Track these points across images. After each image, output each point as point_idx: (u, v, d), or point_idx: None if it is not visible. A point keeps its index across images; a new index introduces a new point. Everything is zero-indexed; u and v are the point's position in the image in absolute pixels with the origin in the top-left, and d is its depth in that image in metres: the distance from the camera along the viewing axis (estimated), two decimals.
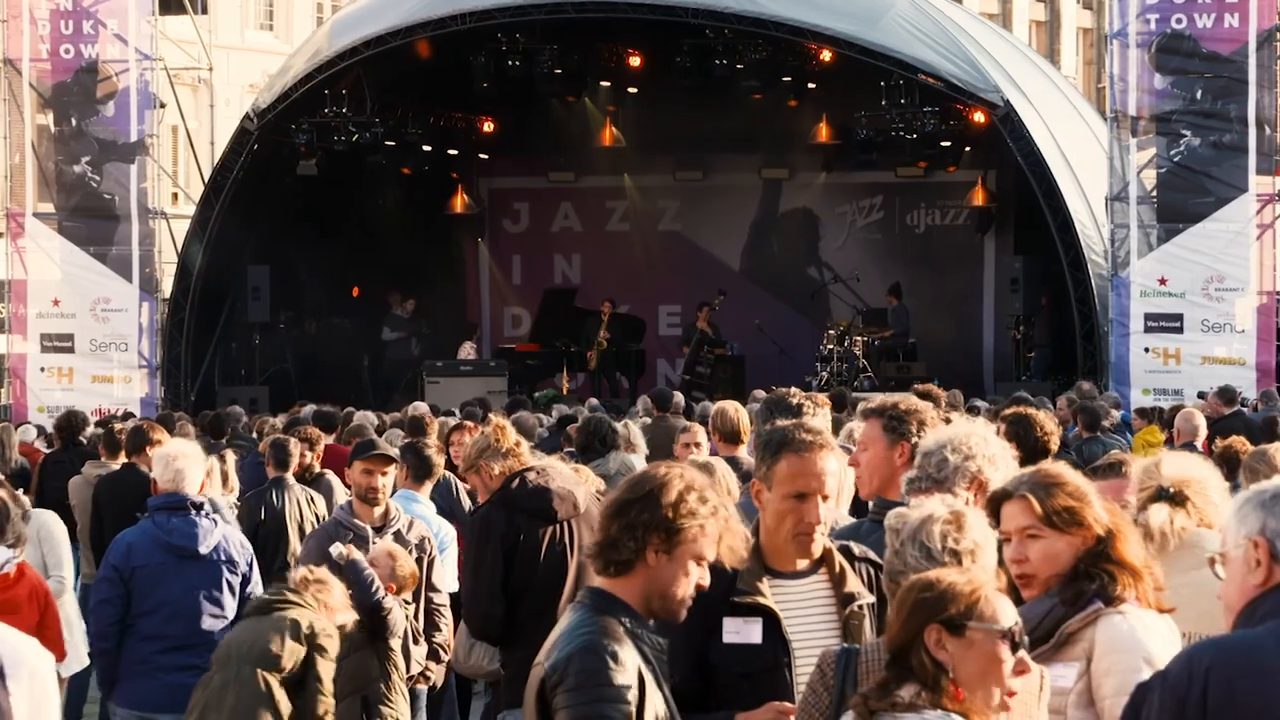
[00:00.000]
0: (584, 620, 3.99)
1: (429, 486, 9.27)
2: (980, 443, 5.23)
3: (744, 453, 9.78)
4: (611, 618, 3.96)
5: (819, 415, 6.35)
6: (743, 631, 4.54)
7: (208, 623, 7.66)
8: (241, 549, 7.86)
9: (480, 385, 23.83)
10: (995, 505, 4.51)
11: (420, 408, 15.73)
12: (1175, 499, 4.91)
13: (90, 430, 14.47)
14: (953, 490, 5.10)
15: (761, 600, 4.56)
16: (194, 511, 7.69)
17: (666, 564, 3.97)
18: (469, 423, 11.74)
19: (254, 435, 15.75)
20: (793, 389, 6.67)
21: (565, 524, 7.00)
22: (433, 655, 7.95)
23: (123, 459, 11.29)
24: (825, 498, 4.68)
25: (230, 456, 10.91)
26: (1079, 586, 4.37)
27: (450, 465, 10.86)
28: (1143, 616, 4.35)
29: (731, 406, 9.98)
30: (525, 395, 22.93)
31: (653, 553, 3.96)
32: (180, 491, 7.67)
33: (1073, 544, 4.41)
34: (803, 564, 4.68)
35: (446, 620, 7.93)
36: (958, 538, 4.24)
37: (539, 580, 6.93)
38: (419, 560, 8.01)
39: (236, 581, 7.77)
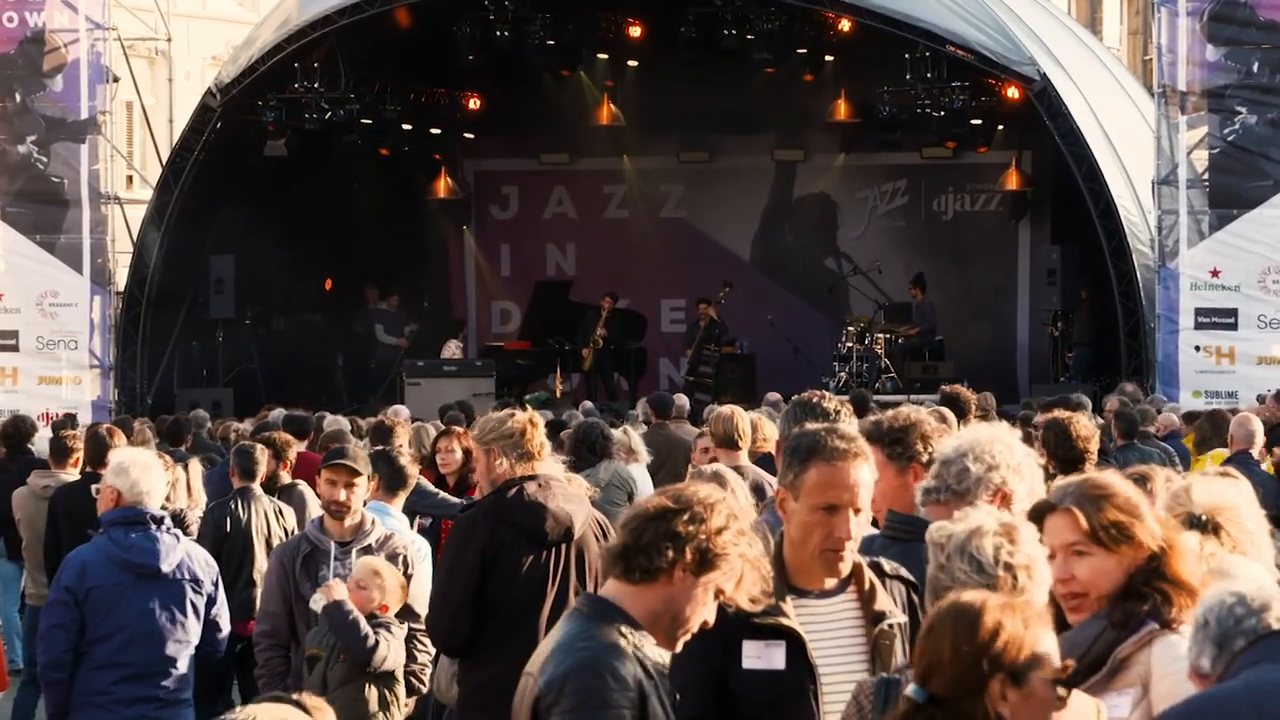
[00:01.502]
0: (582, 632, 4.02)
1: (402, 498, 9.25)
2: (1004, 451, 5.21)
3: (744, 459, 9.80)
4: (611, 629, 4.00)
5: (851, 424, 6.34)
6: (764, 656, 4.54)
7: (170, 648, 7.63)
8: (207, 567, 7.84)
9: (465, 387, 23.83)
10: (1038, 518, 4.51)
11: (401, 412, 15.74)
12: (1207, 527, 4.91)
13: (40, 436, 14.45)
14: (974, 502, 5.08)
15: (785, 622, 4.56)
16: (154, 526, 7.67)
17: (691, 586, 4.04)
18: (458, 428, 11.72)
19: (217, 442, 15.76)
20: (824, 392, 6.64)
21: (554, 547, 7.00)
22: (408, 687, 7.95)
23: (74, 468, 11.28)
24: (858, 511, 4.68)
25: (196, 466, 10.91)
26: (1130, 607, 4.38)
27: (439, 484, 10.84)
28: None
29: (729, 409, 9.98)
30: (514, 398, 22.92)
31: (682, 570, 4.01)
32: (140, 504, 7.65)
33: (1123, 562, 4.41)
34: (830, 583, 4.68)
35: (424, 646, 7.91)
36: (1012, 550, 4.23)
37: (512, 602, 6.93)
38: None
39: (201, 603, 7.74)
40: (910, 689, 3.65)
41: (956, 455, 5.21)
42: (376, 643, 7.34)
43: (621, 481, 11.80)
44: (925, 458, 5.49)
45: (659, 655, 4.06)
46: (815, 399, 6.49)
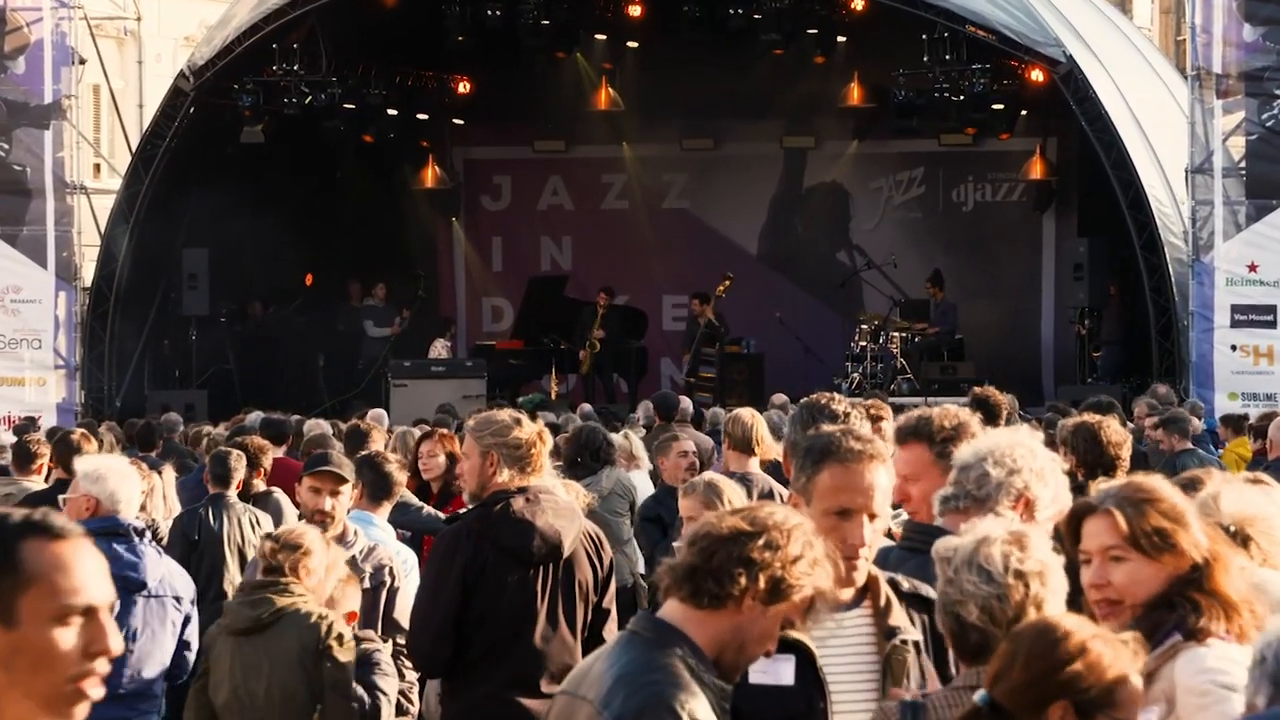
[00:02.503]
0: (649, 662, 3.98)
1: (388, 508, 9.23)
2: (1026, 455, 5.21)
3: (755, 466, 9.81)
4: (677, 658, 3.97)
5: (864, 427, 6.32)
6: (772, 671, 4.53)
7: (146, 669, 7.63)
8: (186, 583, 7.85)
9: (454, 389, 23.84)
10: (1077, 520, 4.51)
11: (378, 415, 15.72)
12: (1237, 538, 4.91)
13: (2, 441, 14.46)
14: (995, 509, 5.09)
15: (794, 634, 4.56)
16: (137, 538, 7.66)
17: (760, 615, 4.01)
18: (443, 430, 11.72)
19: (190, 447, 15.76)
20: (834, 394, 6.63)
21: (541, 566, 6.99)
22: (396, 707, 7.93)
23: (39, 475, 11.28)
24: (873, 516, 4.68)
25: (169, 474, 10.92)
26: (1157, 617, 4.38)
27: (422, 489, 10.83)
28: (1229, 650, 4.34)
29: (748, 413, 9.99)
30: (506, 400, 22.92)
31: (753, 598, 3.99)
32: (118, 514, 7.63)
33: (1163, 570, 4.41)
34: (846, 594, 4.68)
35: (410, 665, 7.90)
36: (1022, 557, 4.24)
37: (497, 623, 6.93)
38: (375, 590, 8.00)
39: (179, 621, 7.74)
40: (978, 694, 3.67)
41: (976, 460, 5.20)
42: (375, 708, 7.27)
43: (624, 490, 11.79)
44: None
45: (721, 683, 4.05)
46: (824, 401, 6.48)
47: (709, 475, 8.74)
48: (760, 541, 4.00)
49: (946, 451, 5.61)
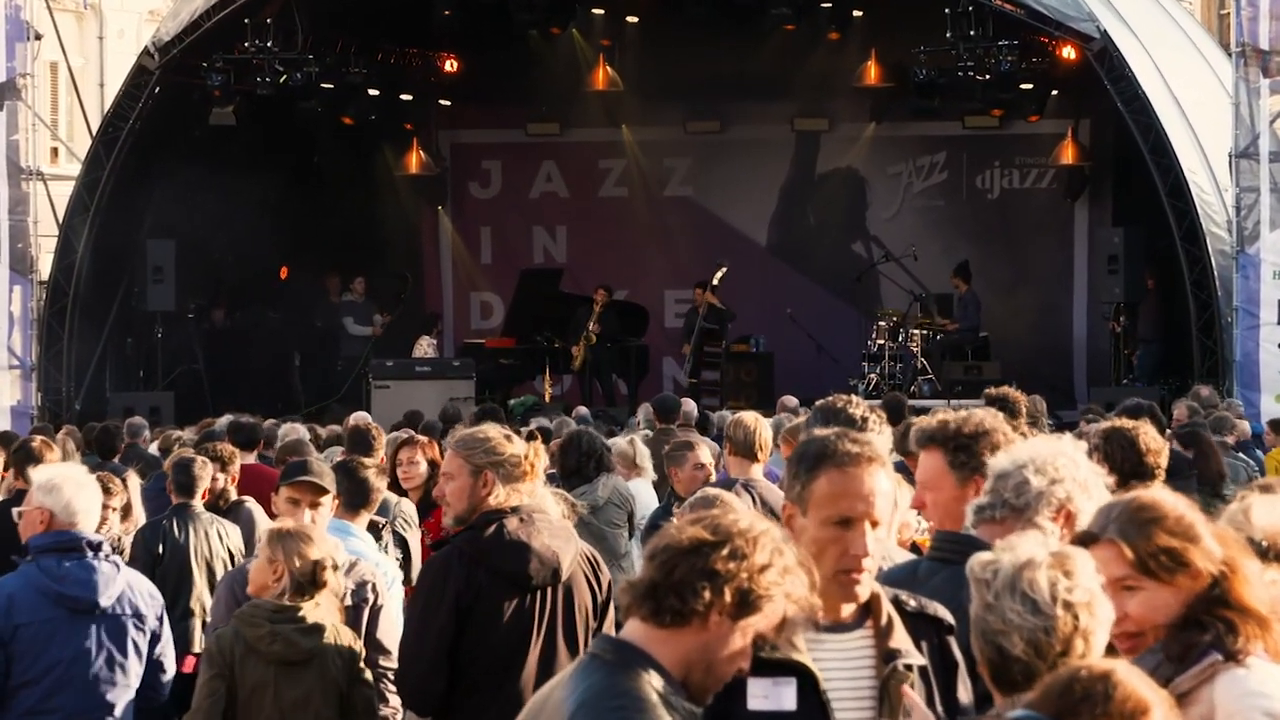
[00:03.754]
0: (612, 687, 3.96)
1: (366, 517, 9.25)
2: (1069, 465, 5.21)
3: (759, 473, 9.85)
4: (641, 681, 3.95)
5: (883, 434, 6.32)
6: (773, 695, 4.52)
7: (107, 693, 7.58)
8: (151, 600, 7.80)
9: (441, 390, 23.83)
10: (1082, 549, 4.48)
11: (363, 419, 15.70)
12: (1269, 554, 4.90)
13: None
14: (1034, 521, 5.08)
15: (796, 656, 4.55)
16: (91, 553, 7.63)
17: (728, 631, 3.98)
18: (421, 438, 11.72)
19: (156, 453, 15.74)
20: (851, 397, 6.59)
21: (539, 591, 6.99)
22: None
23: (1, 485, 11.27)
24: (875, 524, 4.64)
25: (134, 481, 10.91)
26: (1189, 638, 4.37)
27: (400, 493, 10.83)
28: (1272, 671, 4.33)
29: (751, 416, 10.03)
30: (497, 403, 22.89)
31: (719, 613, 3.97)
32: (74, 528, 7.60)
33: (1180, 592, 4.41)
34: (847, 611, 4.67)
35: (395, 687, 7.91)
36: (1070, 585, 4.20)
37: (492, 654, 6.92)
38: (357, 609, 8.00)
39: (144, 641, 7.70)
40: (1016, 712, 3.64)
41: (1015, 468, 5.19)
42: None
43: (621, 500, 11.78)
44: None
45: (690, 707, 4.03)
46: (840, 404, 6.48)
47: (709, 490, 8.74)
48: (724, 551, 3.97)
49: (960, 460, 5.62)
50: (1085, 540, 4.49)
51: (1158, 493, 4.60)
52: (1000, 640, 4.18)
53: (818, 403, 6.62)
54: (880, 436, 6.39)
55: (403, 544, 10.27)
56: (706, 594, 3.96)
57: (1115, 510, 4.52)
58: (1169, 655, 4.36)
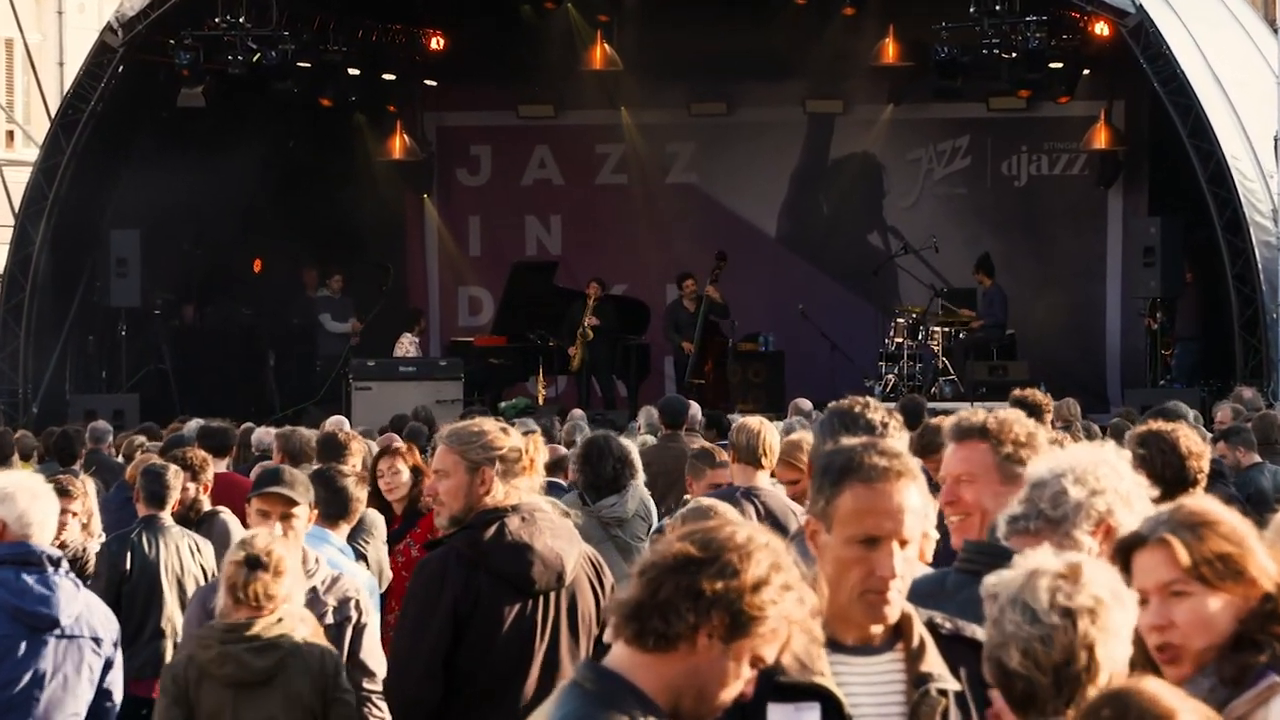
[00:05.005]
0: (584, 717, 3.93)
1: (346, 528, 9.22)
2: (1110, 475, 5.18)
3: (764, 481, 9.84)
4: (622, 713, 3.90)
5: (901, 439, 6.28)
6: None
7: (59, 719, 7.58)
8: (107, 622, 7.78)
9: (427, 392, 23.83)
10: (1125, 554, 4.47)
11: (341, 424, 15.71)
12: None
13: None
14: (1071, 535, 5.06)
15: (819, 681, 4.53)
16: (51, 569, 7.61)
17: (719, 655, 3.92)
18: (403, 444, 11.69)
19: (119, 460, 15.74)
20: (868, 399, 6.53)
21: (542, 597, 6.97)
22: None
23: None
24: (904, 543, 4.62)
25: (91, 489, 10.89)
26: (1244, 659, 4.35)
27: (382, 504, 10.81)
28: None
29: (755, 420, 10.05)
30: (486, 406, 22.87)
31: (707, 635, 3.91)
32: (30, 540, 7.57)
33: (1231, 603, 4.39)
34: (874, 633, 4.65)
35: (380, 712, 7.89)
36: (1071, 591, 4.19)
37: (491, 664, 6.89)
38: (340, 627, 7.98)
39: (99, 666, 7.68)
40: None
41: (1053, 476, 5.16)
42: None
43: (646, 511, 11.79)
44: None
45: None
46: (857, 407, 6.40)
47: (704, 501, 8.72)
48: (713, 569, 3.90)
49: (1015, 458, 5.63)
50: (1132, 544, 4.48)
51: (1209, 501, 4.59)
52: (1000, 654, 4.16)
53: (830, 405, 6.55)
54: (900, 441, 6.36)
55: (363, 560, 10.25)
56: (692, 616, 3.89)
57: (1166, 514, 4.51)
58: (1223, 678, 4.34)
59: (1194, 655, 4.40)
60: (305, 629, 7.38)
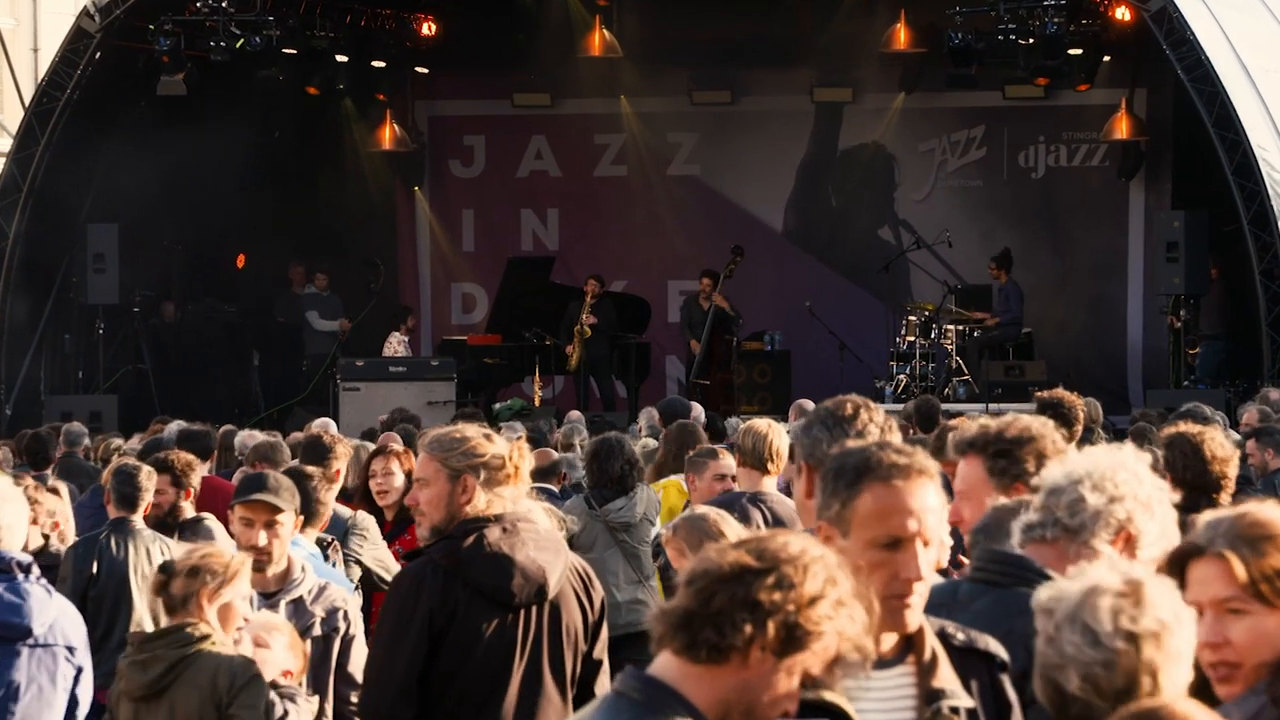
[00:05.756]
0: None
1: (314, 533, 9.26)
2: (1130, 480, 5.16)
3: (771, 486, 9.86)
4: None
5: (893, 438, 6.19)
6: None
7: None
8: (78, 628, 7.78)
9: (418, 393, 23.81)
10: (1179, 565, 4.44)
11: (327, 426, 15.71)
12: None
13: None
14: (1089, 544, 5.04)
15: (827, 696, 4.51)
16: (22, 575, 7.60)
17: (771, 669, 3.92)
18: (397, 447, 11.69)
19: (98, 464, 15.72)
20: (851, 396, 6.23)
21: (523, 610, 6.95)
22: None
23: None
24: (927, 544, 4.62)
25: (64, 493, 10.87)
26: None
27: (373, 506, 10.80)
28: None
29: (763, 423, 10.06)
30: (480, 407, 22.86)
31: (760, 649, 3.91)
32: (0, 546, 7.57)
33: None
34: (887, 644, 4.63)
35: None
36: (1135, 615, 4.14)
37: (469, 680, 6.88)
38: (328, 639, 7.96)
39: (71, 675, 7.68)
40: None
41: (1069, 482, 5.14)
42: (285, 714, 7.29)
43: (655, 515, 11.82)
44: (1035, 481, 5.46)
45: None
46: (848, 409, 6.15)
47: (700, 509, 8.72)
48: (769, 579, 3.91)
49: (1000, 467, 5.62)
50: (1188, 554, 4.45)
51: (1273, 509, 4.54)
52: (1057, 676, 4.13)
53: (817, 407, 6.24)
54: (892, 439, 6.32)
55: (357, 565, 10.25)
56: (748, 628, 3.90)
57: (1224, 524, 4.46)
58: (1274, 698, 4.32)
59: (1247, 674, 4.38)
60: (225, 638, 7.15)
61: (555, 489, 12.86)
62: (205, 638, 7.10)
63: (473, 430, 7.10)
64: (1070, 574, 4.29)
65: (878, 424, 6.01)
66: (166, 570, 7.30)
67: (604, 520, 11.49)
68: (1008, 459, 5.66)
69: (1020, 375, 24.93)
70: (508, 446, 7.00)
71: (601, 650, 7.10)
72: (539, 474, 11.87)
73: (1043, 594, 4.26)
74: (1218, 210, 24.17)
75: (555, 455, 13.41)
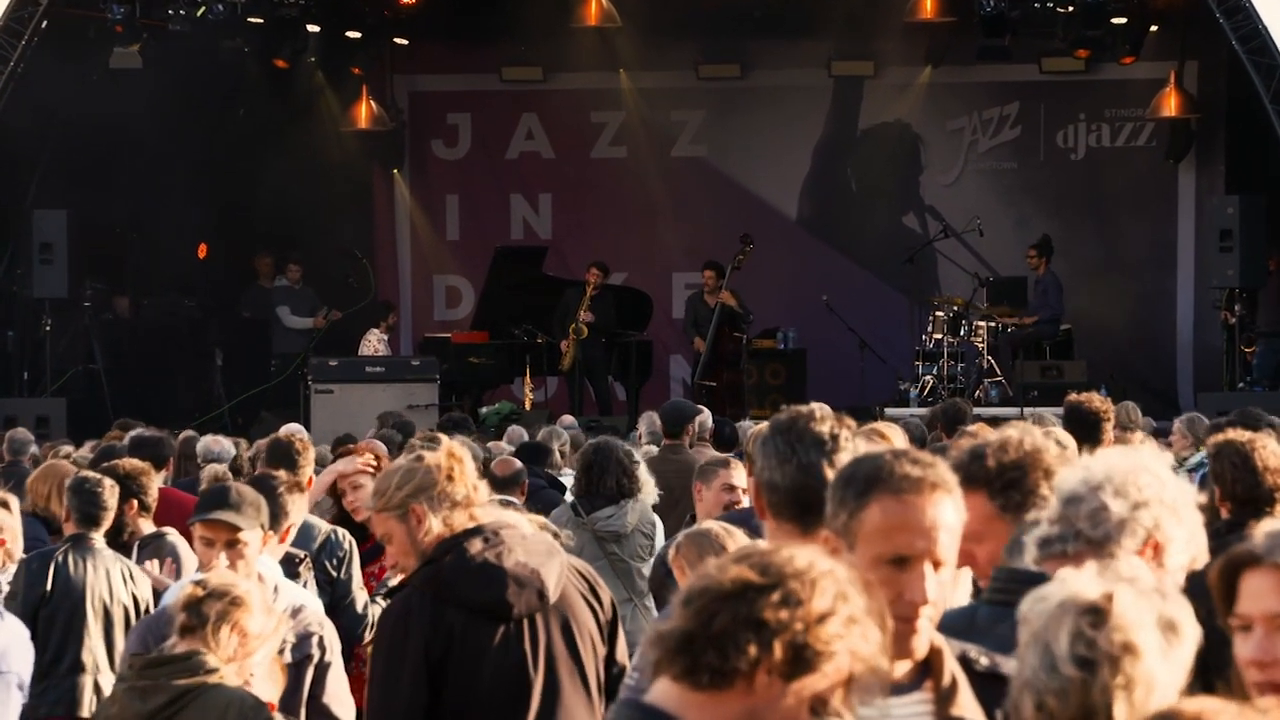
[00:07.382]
0: None
1: (280, 548, 9.21)
2: (1154, 484, 5.15)
3: None
4: None
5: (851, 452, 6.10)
6: None
7: None
8: (25, 650, 7.83)
9: (397, 395, 23.81)
10: (1233, 574, 4.46)
11: (295, 431, 15.69)
12: None
13: None
14: (1115, 554, 5.00)
15: None
16: None
17: (779, 694, 3.93)
18: (371, 456, 11.71)
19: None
20: (816, 405, 6.02)
21: (526, 621, 6.97)
22: None
23: None
24: (939, 564, 4.64)
25: (14, 506, 10.89)
26: None
27: (344, 518, 10.84)
28: None
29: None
30: (466, 411, 22.87)
31: (766, 672, 3.92)
32: None
33: None
34: (901, 669, 4.66)
35: None
36: (1094, 637, 4.16)
37: (482, 708, 6.90)
38: (300, 666, 7.99)
39: (20, 703, 7.73)
40: None
41: (1089, 489, 5.12)
42: None
43: (649, 528, 11.84)
44: (1045, 490, 5.46)
45: None
46: (806, 421, 5.71)
47: (705, 525, 8.75)
48: (775, 596, 3.92)
49: (1014, 500, 5.52)
50: (1242, 563, 4.47)
51: None
52: (1018, 699, 4.15)
53: (774, 417, 6.05)
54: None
55: (331, 585, 10.27)
56: (753, 649, 3.91)
57: None
58: None
59: None
60: (231, 670, 7.24)
61: (518, 500, 12.89)
62: (214, 670, 7.13)
63: (399, 461, 7.18)
64: (1056, 578, 4.30)
65: (831, 434, 5.81)
66: (206, 586, 7.31)
67: (591, 529, 11.52)
68: (1018, 490, 5.58)
69: (1058, 376, 24.90)
70: (433, 456, 7.02)
71: (623, 653, 7.11)
72: (500, 484, 11.91)
73: (1026, 600, 4.28)
74: (1276, 195, 24.20)
75: (518, 464, 13.41)
